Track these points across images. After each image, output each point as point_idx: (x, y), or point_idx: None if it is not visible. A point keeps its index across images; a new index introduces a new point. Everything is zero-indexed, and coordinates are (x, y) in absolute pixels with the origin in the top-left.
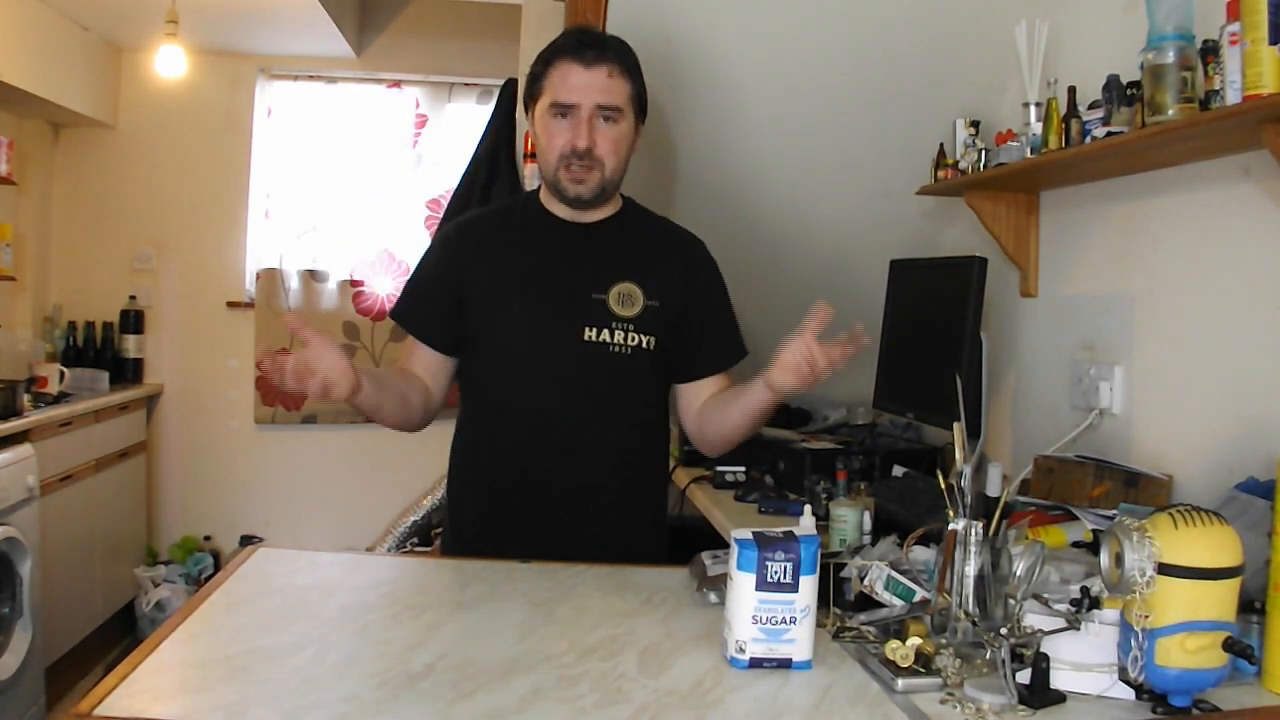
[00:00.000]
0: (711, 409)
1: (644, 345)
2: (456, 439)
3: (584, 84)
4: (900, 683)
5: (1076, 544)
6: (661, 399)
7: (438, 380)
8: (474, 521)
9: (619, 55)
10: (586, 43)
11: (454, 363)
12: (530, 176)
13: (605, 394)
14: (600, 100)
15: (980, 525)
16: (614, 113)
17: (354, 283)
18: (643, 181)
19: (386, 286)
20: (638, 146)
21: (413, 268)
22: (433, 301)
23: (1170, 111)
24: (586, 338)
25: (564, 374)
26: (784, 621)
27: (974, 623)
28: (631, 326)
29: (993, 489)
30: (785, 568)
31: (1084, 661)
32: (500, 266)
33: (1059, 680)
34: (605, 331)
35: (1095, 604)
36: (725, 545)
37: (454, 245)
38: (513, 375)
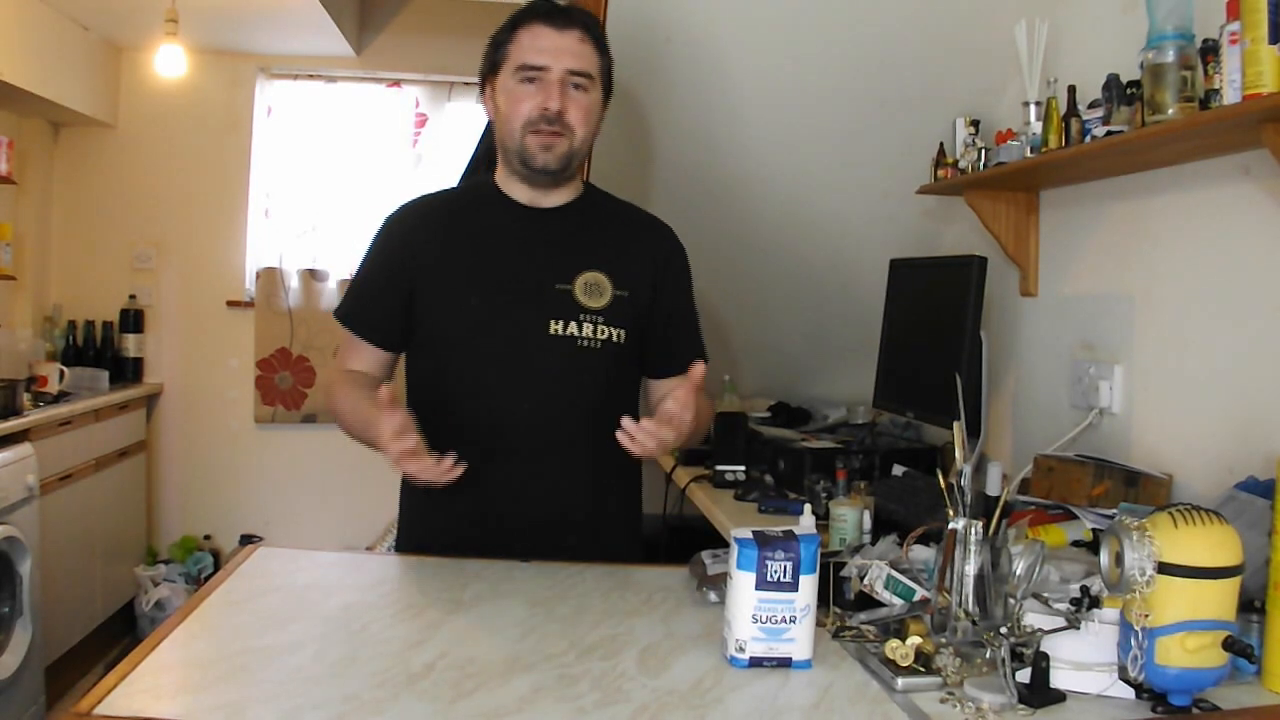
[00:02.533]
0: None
1: (614, 339)
2: None
3: (555, 46)
4: (900, 682)
5: (1076, 543)
6: (632, 395)
7: (384, 370)
8: (434, 528)
9: (588, 25)
10: (554, 10)
11: (395, 359)
12: None
13: (574, 390)
14: (572, 65)
15: (980, 524)
16: (585, 79)
17: None
18: (639, 181)
19: None
20: (599, 129)
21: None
22: (381, 300)
23: (1170, 111)
24: (553, 332)
25: (530, 371)
26: (784, 621)
27: (974, 622)
28: (600, 319)
29: (992, 488)
30: (785, 567)
31: (1084, 661)
32: (453, 256)
33: (1059, 679)
34: (573, 325)
35: (1095, 603)
36: (725, 544)
37: (398, 236)
38: (470, 374)
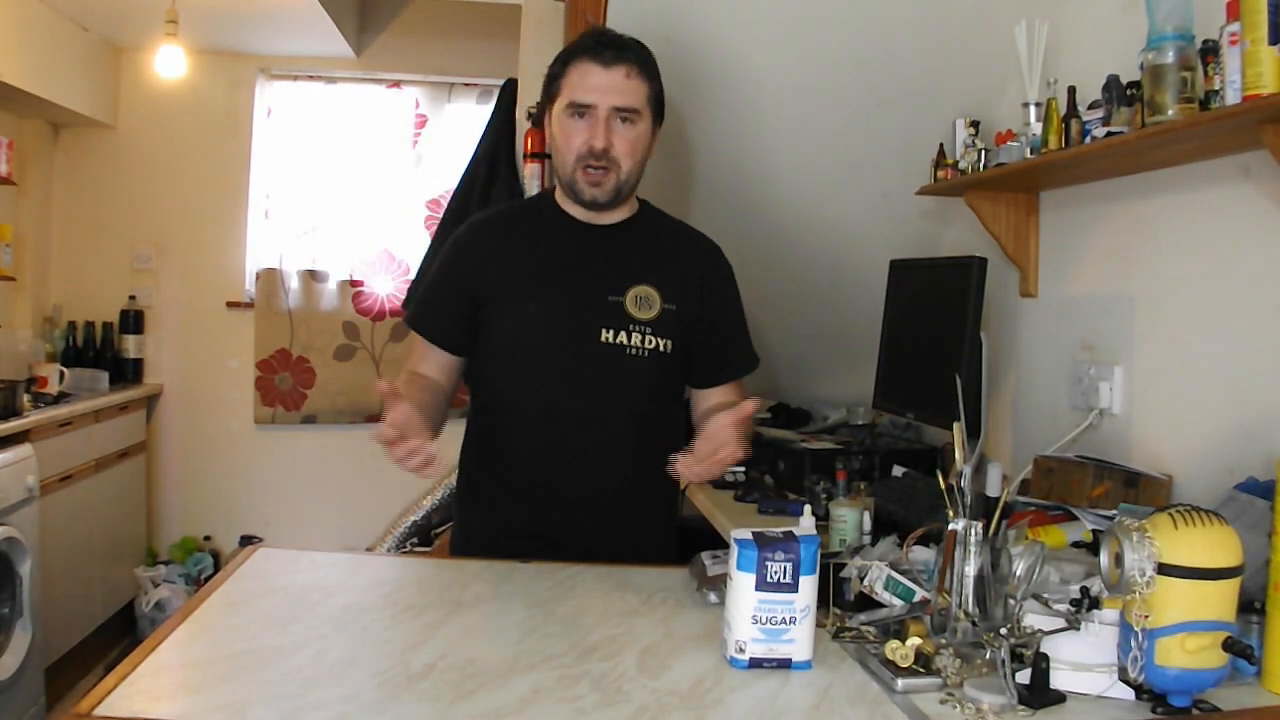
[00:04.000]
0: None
1: (661, 348)
2: (467, 440)
3: (602, 84)
4: (900, 683)
5: (1076, 544)
6: (678, 403)
7: (451, 376)
8: (485, 523)
9: (638, 56)
10: (605, 43)
11: (463, 363)
12: (530, 177)
13: (621, 397)
14: (617, 102)
15: (980, 525)
16: (631, 114)
17: (354, 283)
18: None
19: (386, 286)
20: (654, 150)
21: (420, 269)
22: (447, 305)
23: (1170, 111)
24: (603, 339)
25: (580, 376)
26: (784, 621)
27: (974, 623)
28: (649, 329)
29: (992, 489)
30: (785, 568)
31: (1084, 661)
32: (515, 267)
33: (1059, 680)
34: (622, 334)
35: (1095, 604)
36: (725, 545)
37: (467, 246)
38: (527, 376)
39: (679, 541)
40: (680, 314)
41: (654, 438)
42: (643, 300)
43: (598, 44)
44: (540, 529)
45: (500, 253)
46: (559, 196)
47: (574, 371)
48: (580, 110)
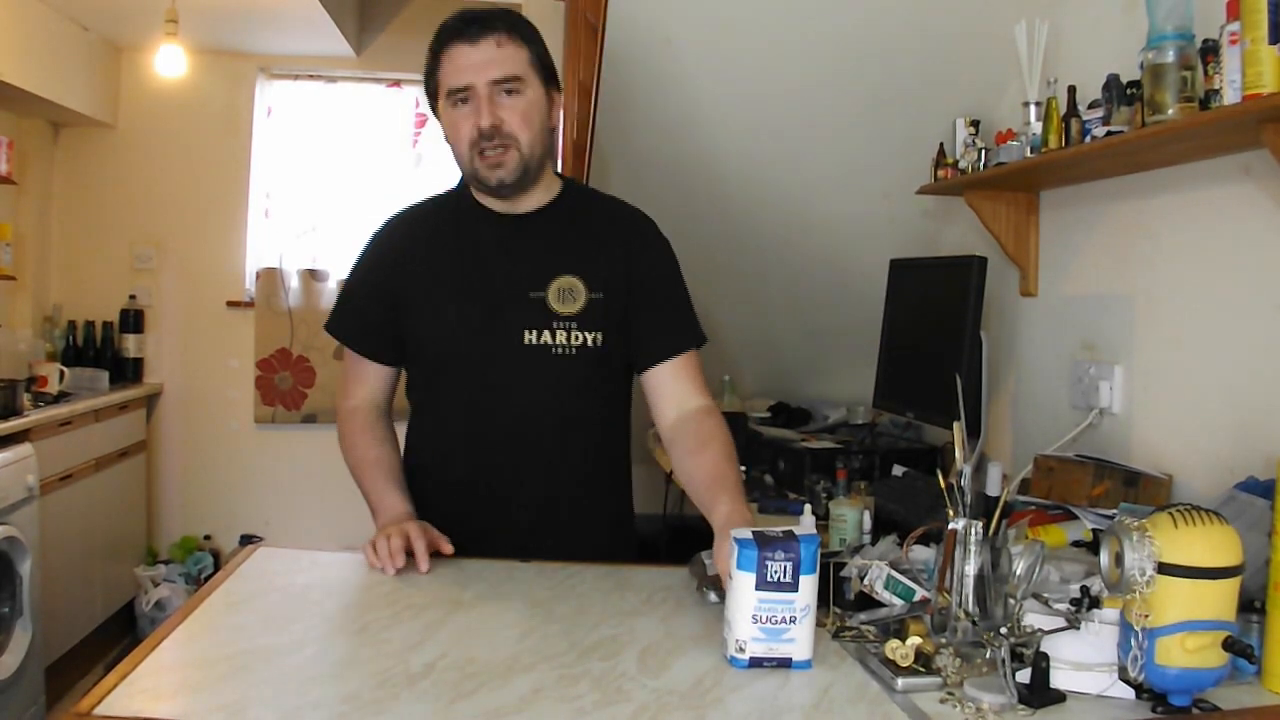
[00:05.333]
0: (682, 460)
1: (589, 343)
2: (406, 453)
3: (474, 62)
4: (900, 682)
5: (1076, 543)
6: (617, 397)
7: (388, 391)
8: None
9: (507, 23)
10: (469, 20)
11: (395, 377)
12: None
13: (552, 400)
14: (494, 74)
15: (980, 525)
16: (514, 83)
17: None
18: (635, 182)
19: None
20: (556, 119)
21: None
22: (368, 313)
23: (1170, 111)
24: (527, 342)
25: (506, 382)
26: (784, 621)
27: (974, 622)
28: (574, 324)
29: (992, 488)
30: (785, 567)
31: (1084, 661)
32: (432, 267)
33: (1059, 680)
34: (546, 333)
35: (1095, 603)
36: None
37: (383, 247)
38: (451, 385)
39: (678, 541)
40: (608, 301)
41: (594, 439)
42: (566, 293)
43: (461, 23)
44: (480, 544)
45: (417, 253)
46: (474, 189)
47: (499, 379)
48: (461, 96)
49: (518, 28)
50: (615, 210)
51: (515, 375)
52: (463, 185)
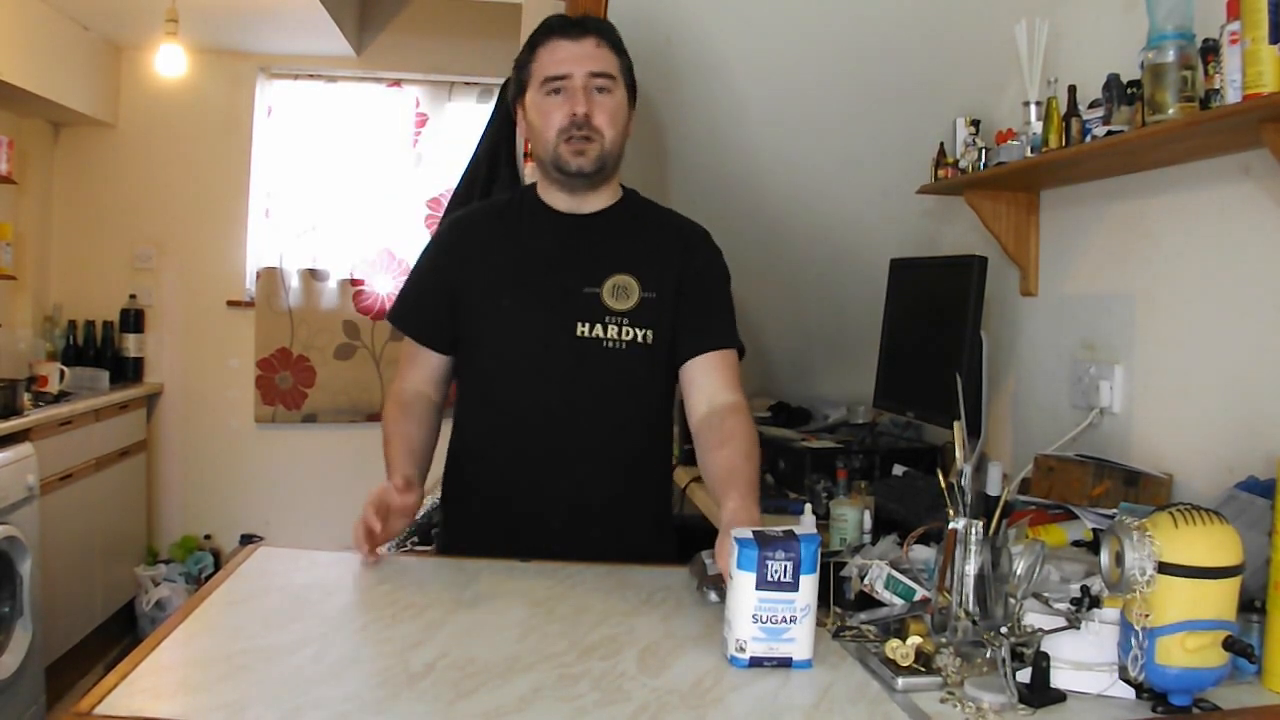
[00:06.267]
0: (704, 455)
1: (640, 339)
2: (454, 438)
3: (574, 54)
4: (900, 682)
5: (1076, 543)
6: (663, 395)
7: (439, 382)
8: (470, 523)
9: (602, 30)
10: (569, 22)
11: (452, 362)
12: (531, 176)
13: (600, 391)
14: (592, 67)
15: (980, 524)
16: (607, 80)
17: (354, 282)
18: (638, 182)
19: (387, 286)
20: (631, 130)
21: (410, 267)
22: (430, 303)
23: (1170, 110)
24: (579, 333)
25: (557, 372)
26: (784, 620)
27: (974, 622)
28: (626, 320)
29: (993, 488)
30: (785, 567)
31: (1084, 660)
32: (494, 262)
33: (1059, 679)
34: (598, 327)
35: (1095, 603)
36: None
37: (448, 243)
38: (506, 374)
39: (678, 541)
40: (660, 302)
41: (638, 433)
42: (620, 290)
43: (562, 23)
44: (525, 529)
45: (480, 249)
46: (541, 188)
47: (551, 368)
48: (556, 85)
49: (614, 37)
50: (673, 219)
51: (566, 365)
52: (525, 189)
